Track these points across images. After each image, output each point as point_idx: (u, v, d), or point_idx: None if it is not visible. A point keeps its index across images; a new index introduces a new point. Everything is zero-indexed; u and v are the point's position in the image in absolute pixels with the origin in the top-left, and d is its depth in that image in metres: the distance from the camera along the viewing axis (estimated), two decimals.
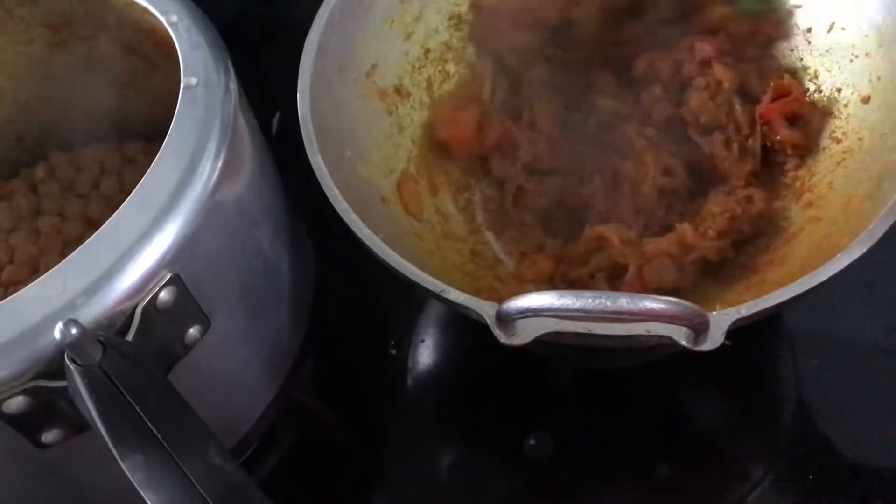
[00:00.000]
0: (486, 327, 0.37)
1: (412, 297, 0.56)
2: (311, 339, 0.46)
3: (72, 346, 0.29)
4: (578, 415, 0.52)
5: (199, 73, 0.38)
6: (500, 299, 0.41)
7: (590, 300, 0.32)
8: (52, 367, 0.31)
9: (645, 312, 0.32)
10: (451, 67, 0.55)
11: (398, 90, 0.53)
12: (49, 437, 0.34)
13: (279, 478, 0.51)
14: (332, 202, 0.42)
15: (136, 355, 0.31)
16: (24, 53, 0.49)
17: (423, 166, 0.52)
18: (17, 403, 0.31)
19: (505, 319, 0.36)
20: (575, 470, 0.50)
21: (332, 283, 0.53)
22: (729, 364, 0.50)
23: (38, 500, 0.38)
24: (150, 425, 0.28)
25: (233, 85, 0.39)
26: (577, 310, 0.32)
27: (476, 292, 0.45)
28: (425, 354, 0.56)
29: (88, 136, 0.54)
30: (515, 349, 0.37)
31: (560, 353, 0.50)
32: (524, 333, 0.37)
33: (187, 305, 0.35)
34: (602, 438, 0.50)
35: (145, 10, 0.41)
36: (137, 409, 0.29)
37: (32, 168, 0.53)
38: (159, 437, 0.28)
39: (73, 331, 0.28)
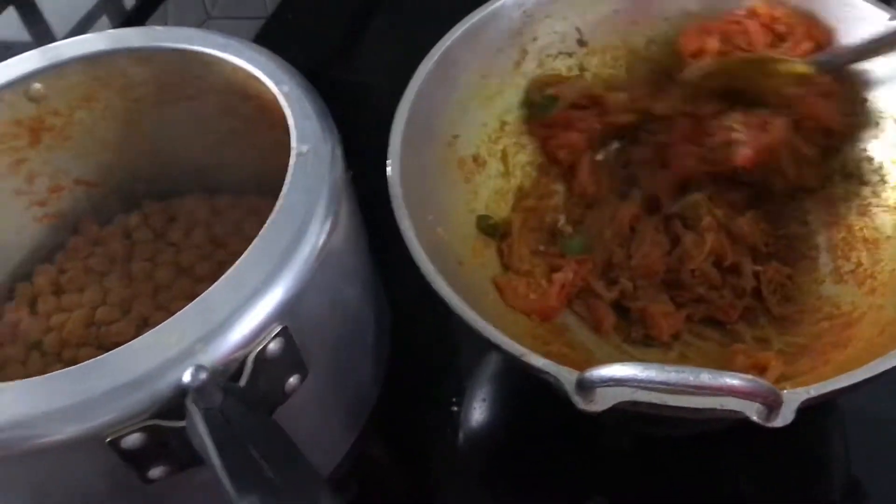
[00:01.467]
0: (553, 390, 0.39)
1: (475, 356, 0.58)
2: (385, 393, 0.49)
3: (198, 390, 0.31)
4: (634, 480, 0.53)
5: (310, 141, 0.41)
6: (573, 365, 0.43)
7: (672, 374, 0.34)
8: (170, 407, 0.33)
9: (725, 388, 0.34)
10: (524, 139, 0.58)
11: (475, 159, 0.56)
12: (156, 472, 0.36)
13: None
14: (419, 264, 0.44)
15: (248, 401, 0.33)
16: (129, 107, 0.52)
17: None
18: (133, 440, 0.34)
19: (586, 387, 0.38)
20: None
21: (404, 339, 0.55)
22: (779, 439, 0.52)
23: None
24: (266, 468, 0.31)
25: (338, 152, 0.42)
26: (660, 382, 0.34)
27: (546, 357, 0.47)
28: (485, 413, 0.57)
29: (181, 187, 0.57)
30: (578, 416, 0.39)
31: (622, 419, 0.51)
32: (602, 401, 0.38)
33: (291, 355, 0.37)
34: (659, 502, 0.51)
35: (255, 79, 0.44)
36: (253, 451, 0.31)
37: (128, 215, 0.57)
38: (275, 479, 0.30)
39: (202, 376, 0.31)
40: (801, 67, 0.51)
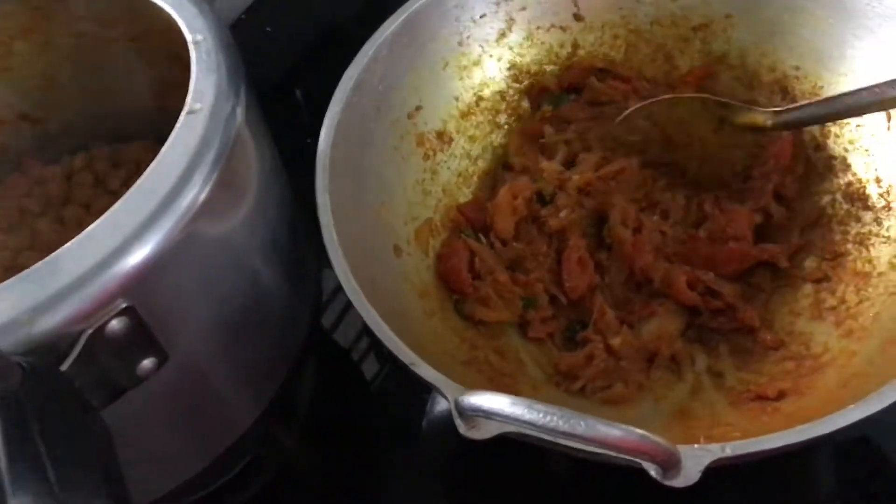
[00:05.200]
0: None
1: None
2: (299, 369, 0.45)
3: None
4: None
5: (207, 99, 0.37)
6: (498, 377, 0.38)
7: (541, 415, 0.29)
8: None
9: (602, 441, 0.29)
10: (501, 118, 0.53)
11: (440, 135, 0.51)
12: None
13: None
14: (327, 247, 0.40)
15: (60, 388, 0.30)
16: (75, 44, 0.49)
17: (448, 217, 0.50)
18: None
19: (463, 412, 0.33)
20: None
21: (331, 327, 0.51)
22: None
23: None
24: (49, 467, 0.27)
25: (240, 113, 0.37)
26: (527, 422, 0.30)
27: (467, 363, 0.42)
28: (425, 417, 0.53)
29: (133, 132, 0.54)
30: None
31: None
32: (485, 429, 0.34)
33: (141, 337, 0.34)
34: None
35: (173, 23, 0.41)
36: (41, 447, 0.27)
37: (73, 156, 0.54)
38: (53, 481, 0.27)
39: None
40: (759, 118, 0.44)
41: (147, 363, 0.34)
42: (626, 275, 0.46)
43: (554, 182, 0.48)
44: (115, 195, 0.51)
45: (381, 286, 0.42)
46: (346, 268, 0.39)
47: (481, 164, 0.52)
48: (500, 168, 0.52)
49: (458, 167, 0.51)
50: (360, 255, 0.41)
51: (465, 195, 0.51)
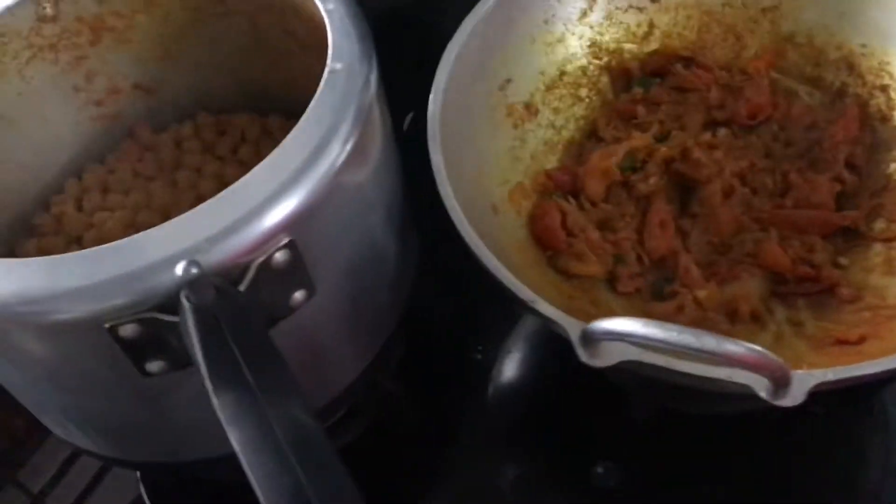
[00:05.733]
0: (571, 347, 0.38)
1: (508, 308, 0.58)
2: (403, 327, 0.49)
3: (189, 285, 0.31)
4: (651, 451, 0.52)
5: (345, 60, 0.41)
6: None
7: (675, 333, 0.33)
8: (168, 302, 0.34)
9: (728, 355, 0.33)
10: (583, 92, 0.57)
11: (528, 107, 0.55)
12: (153, 366, 0.37)
13: (352, 451, 0.53)
14: (444, 199, 0.44)
15: (244, 305, 0.33)
16: (189, 17, 0.53)
17: (537, 181, 0.53)
18: (131, 329, 0.35)
19: (589, 339, 0.37)
20: (643, 499, 0.50)
21: (432, 276, 0.54)
22: (815, 432, 0.50)
23: (135, 424, 0.41)
24: (246, 369, 0.31)
25: (374, 77, 0.41)
26: (660, 340, 0.33)
27: (568, 312, 0.46)
28: (510, 366, 0.57)
29: (235, 105, 0.57)
30: (600, 377, 0.38)
31: (644, 388, 0.50)
32: (607, 356, 0.38)
33: (298, 270, 0.37)
34: (670, 478, 0.50)
35: None
36: (237, 352, 0.31)
37: (181, 125, 0.58)
38: (252, 382, 0.31)
39: (194, 270, 0.31)
40: None
41: (298, 295, 0.38)
42: (710, 240, 0.50)
43: (645, 151, 0.52)
44: (224, 160, 0.56)
45: (485, 241, 0.45)
46: (462, 217, 0.43)
47: (565, 133, 0.56)
48: (586, 138, 0.55)
49: (544, 136, 0.55)
50: (465, 209, 0.45)
51: (550, 162, 0.55)
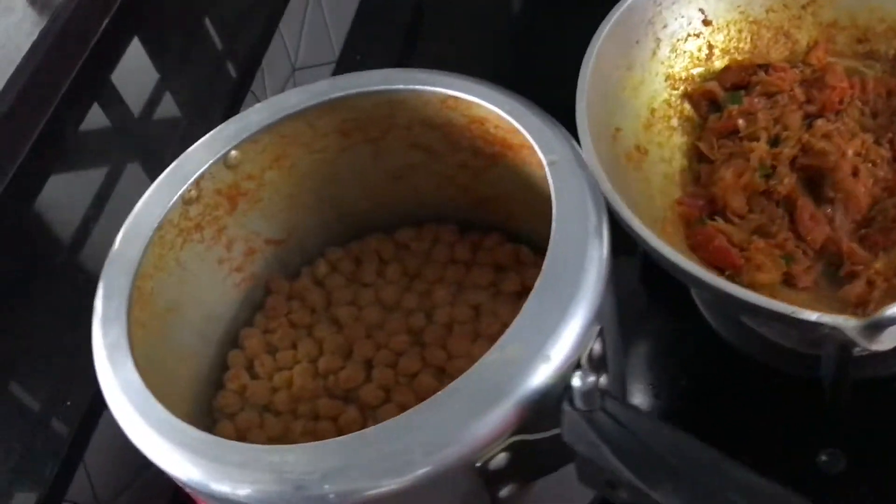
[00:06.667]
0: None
1: None
2: None
3: (583, 395, 0.32)
4: (862, 429, 0.54)
5: (555, 151, 0.43)
6: None
7: None
8: (536, 419, 0.35)
9: None
10: (674, 122, 0.60)
11: (638, 148, 0.58)
12: (505, 491, 0.37)
13: None
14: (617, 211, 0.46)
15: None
16: (316, 160, 0.53)
17: (676, 212, 0.56)
18: (500, 460, 0.35)
19: (875, 328, 0.40)
20: (871, 483, 0.53)
21: None
22: None
23: None
24: (667, 456, 0.32)
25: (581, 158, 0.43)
26: None
27: None
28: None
29: (361, 230, 0.58)
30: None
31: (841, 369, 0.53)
32: (888, 341, 0.41)
33: (604, 354, 0.39)
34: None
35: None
36: (649, 443, 0.32)
37: (311, 265, 0.57)
38: (677, 465, 0.31)
39: (590, 379, 0.32)
40: None
41: (603, 379, 0.39)
42: (853, 218, 0.54)
43: (770, 157, 0.55)
44: (374, 286, 0.56)
45: None
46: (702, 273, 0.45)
47: (675, 164, 0.59)
48: (696, 162, 0.59)
49: (662, 171, 0.58)
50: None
51: (676, 192, 0.58)
